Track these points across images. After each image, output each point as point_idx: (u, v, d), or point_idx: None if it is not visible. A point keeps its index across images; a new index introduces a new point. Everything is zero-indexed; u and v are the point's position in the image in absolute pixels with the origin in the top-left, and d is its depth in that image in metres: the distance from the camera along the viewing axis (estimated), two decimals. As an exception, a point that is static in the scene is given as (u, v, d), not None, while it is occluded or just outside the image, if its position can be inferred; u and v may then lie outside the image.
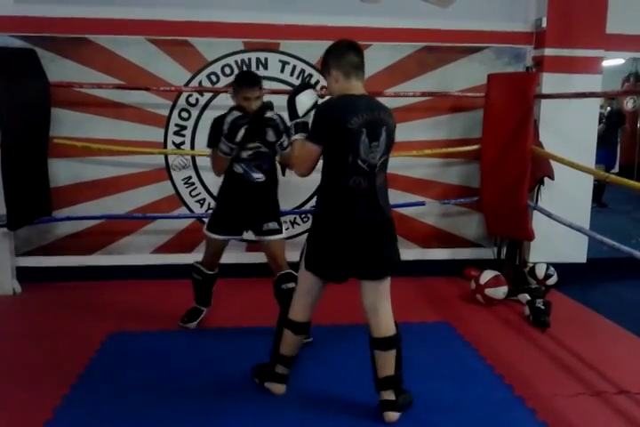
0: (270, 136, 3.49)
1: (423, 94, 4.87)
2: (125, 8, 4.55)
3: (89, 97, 4.65)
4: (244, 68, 4.76)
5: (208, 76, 4.79)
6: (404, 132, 4.89)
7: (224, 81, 4.79)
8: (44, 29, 4.51)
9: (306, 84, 2.92)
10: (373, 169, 2.73)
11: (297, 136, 2.80)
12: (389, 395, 2.86)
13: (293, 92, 2.86)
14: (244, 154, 3.51)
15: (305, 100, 2.81)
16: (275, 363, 3.07)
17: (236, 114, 3.39)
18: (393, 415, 2.85)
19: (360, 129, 2.66)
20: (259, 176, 3.58)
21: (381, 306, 2.89)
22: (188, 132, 4.85)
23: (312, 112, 2.80)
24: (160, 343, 3.71)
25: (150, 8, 4.57)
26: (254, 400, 3.02)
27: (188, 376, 3.27)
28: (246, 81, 3.49)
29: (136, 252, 4.96)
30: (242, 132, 3.33)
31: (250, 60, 4.80)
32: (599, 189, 7.82)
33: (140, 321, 4.05)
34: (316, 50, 4.77)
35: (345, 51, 2.77)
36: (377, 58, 4.83)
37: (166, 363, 3.43)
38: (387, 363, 2.86)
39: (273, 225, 3.67)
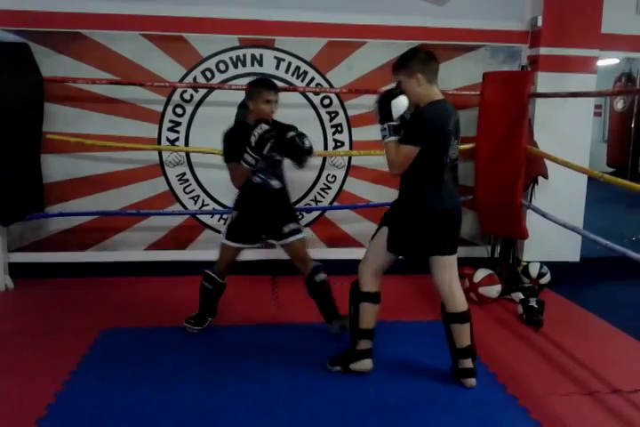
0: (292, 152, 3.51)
1: (418, 92, 4.85)
2: (120, 3, 4.52)
3: (83, 92, 4.63)
4: (239, 65, 4.75)
5: (203, 73, 4.78)
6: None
7: (219, 77, 4.77)
8: (38, 24, 4.48)
9: (400, 91, 3.05)
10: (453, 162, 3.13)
11: (392, 138, 2.99)
12: (469, 363, 3.17)
13: (388, 97, 3.02)
14: (261, 164, 3.52)
15: (401, 105, 2.99)
16: (356, 340, 3.27)
17: (265, 127, 3.38)
18: (473, 381, 3.17)
19: (452, 131, 3.01)
20: (275, 183, 3.64)
21: (453, 283, 3.20)
22: (182, 129, 4.83)
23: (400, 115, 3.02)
24: (153, 340, 3.70)
25: (145, 3, 4.55)
26: (246, 398, 3.01)
27: (180, 373, 3.26)
28: (268, 84, 3.59)
29: (129, 248, 4.94)
30: (269, 146, 3.37)
31: (245, 56, 4.78)
32: None
33: (133, 318, 4.04)
34: (311, 47, 4.80)
35: (429, 58, 3.05)
36: (372, 55, 4.85)
37: (159, 359, 3.42)
38: (462, 334, 3.15)
39: (293, 226, 3.76)
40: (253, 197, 3.67)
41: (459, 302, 3.16)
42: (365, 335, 3.25)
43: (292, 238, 3.74)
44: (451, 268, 3.18)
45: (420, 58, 3.04)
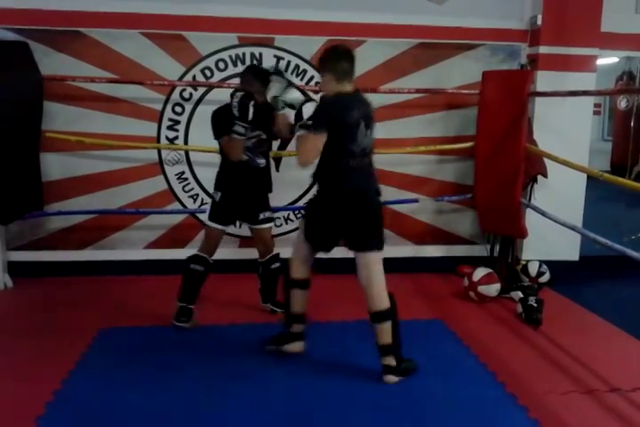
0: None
1: (418, 91, 4.86)
2: (120, 1, 4.52)
3: (82, 91, 4.62)
4: (239, 63, 4.74)
5: (202, 71, 4.77)
6: (398, 129, 4.92)
7: (218, 76, 4.77)
8: (37, 22, 4.47)
9: (307, 99, 3.28)
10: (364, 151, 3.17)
11: (301, 132, 3.12)
12: (389, 360, 3.16)
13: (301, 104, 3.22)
14: (249, 142, 3.67)
15: (308, 110, 3.16)
16: (290, 324, 3.40)
17: (239, 95, 3.46)
18: (392, 378, 3.14)
19: (358, 121, 3.07)
20: (262, 161, 3.80)
21: (372, 281, 3.16)
22: (181, 127, 4.83)
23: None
24: (152, 339, 3.70)
25: (145, 2, 4.54)
26: (244, 396, 3.01)
27: (179, 372, 3.26)
28: (263, 77, 3.59)
29: (128, 247, 4.94)
30: (252, 109, 3.44)
31: (244, 54, 4.77)
32: None
33: (132, 316, 4.03)
34: (310, 45, 4.78)
35: (341, 58, 3.14)
36: (372, 54, 4.84)
37: (158, 358, 3.42)
38: (383, 333, 3.15)
39: (269, 214, 3.98)
40: (237, 176, 3.75)
41: (377, 301, 3.15)
42: (297, 320, 3.40)
43: (265, 225, 3.96)
44: (367, 265, 3.15)
45: (331, 58, 3.16)
